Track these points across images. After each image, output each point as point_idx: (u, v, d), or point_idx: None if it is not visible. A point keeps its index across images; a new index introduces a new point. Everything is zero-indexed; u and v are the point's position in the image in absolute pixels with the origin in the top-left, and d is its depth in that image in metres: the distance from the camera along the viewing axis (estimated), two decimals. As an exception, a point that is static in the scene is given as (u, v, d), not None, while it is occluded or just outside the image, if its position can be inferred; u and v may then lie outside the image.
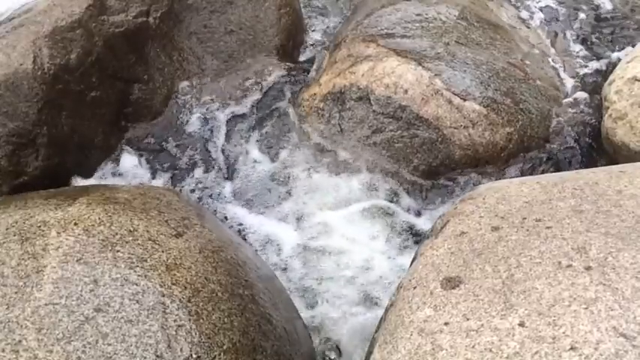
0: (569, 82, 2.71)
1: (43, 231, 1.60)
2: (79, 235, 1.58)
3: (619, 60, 2.51)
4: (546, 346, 1.13)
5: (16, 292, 1.44)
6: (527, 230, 1.42)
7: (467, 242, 1.46)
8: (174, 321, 1.42)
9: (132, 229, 1.64)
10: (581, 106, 2.60)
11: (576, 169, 2.29)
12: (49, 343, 1.34)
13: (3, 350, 1.33)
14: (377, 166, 2.36)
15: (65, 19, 2.30)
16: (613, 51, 2.90)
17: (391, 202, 2.27)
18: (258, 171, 2.41)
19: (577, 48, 2.95)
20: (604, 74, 2.76)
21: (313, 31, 3.14)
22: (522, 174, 2.30)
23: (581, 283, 1.23)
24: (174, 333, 1.40)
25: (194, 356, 1.38)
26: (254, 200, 2.32)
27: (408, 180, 2.32)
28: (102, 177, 2.35)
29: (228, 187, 2.36)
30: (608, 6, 3.12)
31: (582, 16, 3.11)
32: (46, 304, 1.41)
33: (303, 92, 2.68)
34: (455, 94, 2.38)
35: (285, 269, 2.10)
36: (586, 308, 1.18)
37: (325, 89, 2.59)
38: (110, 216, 1.67)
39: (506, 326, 1.19)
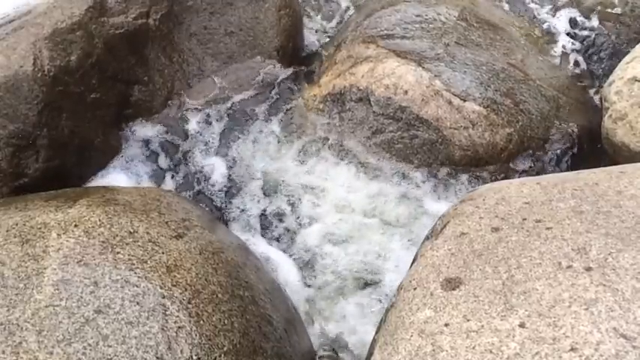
0: (569, 83, 2.71)
1: (44, 233, 1.60)
2: (79, 236, 1.58)
3: (619, 60, 2.50)
4: (547, 347, 1.13)
5: (16, 294, 1.44)
6: (528, 231, 1.42)
7: (467, 243, 1.46)
8: (175, 322, 1.42)
9: (132, 230, 1.64)
10: (581, 107, 2.60)
11: (576, 169, 2.29)
12: (50, 345, 1.34)
13: (3, 352, 1.33)
14: (377, 166, 2.36)
15: (65, 21, 2.30)
16: (613, 51, 2.90)
17: (391, 201, 2.27)
18: (257, 172, 2.41)
19: (577, 48, 2.95)
20: (604, 75, 2.76)
21: (313, 32, 3.14)
22: (522, 175, 2.30)
23: (582, 284, 1.23)
24: (174, 334, 1.40)
25: (194, 358, 1.38)
26: (253, 199, 2.31)
27: (408, 181, 2.32)
28: (102, 179, 2.35)
29: (227, 188, 2.36)
30: (608, 6, 3.12)
31: (582, 15, 3.11)
32: (46, 306, 1.41)
33: (303, 93, 2.68)
34: (455, 95, 2.38)
35: (282, 268, 2.10)
36: (586, 309, 1.18)
37: (325, 90, 2.59)
38: (110, 218, 1.67)
39: (507, 327, 1.19)
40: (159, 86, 2.61)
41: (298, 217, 2.25)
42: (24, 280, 1.47)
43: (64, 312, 1.40)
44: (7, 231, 1.62)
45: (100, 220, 1.65)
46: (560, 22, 3.08)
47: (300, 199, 2.31)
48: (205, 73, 2.72)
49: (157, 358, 1.35)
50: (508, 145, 2.35)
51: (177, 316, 1.43)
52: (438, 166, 2.35)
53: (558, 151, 2.39)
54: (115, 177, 2.36)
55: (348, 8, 3.23)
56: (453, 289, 1.34)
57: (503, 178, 2.27)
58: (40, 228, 1.62)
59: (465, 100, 2.37)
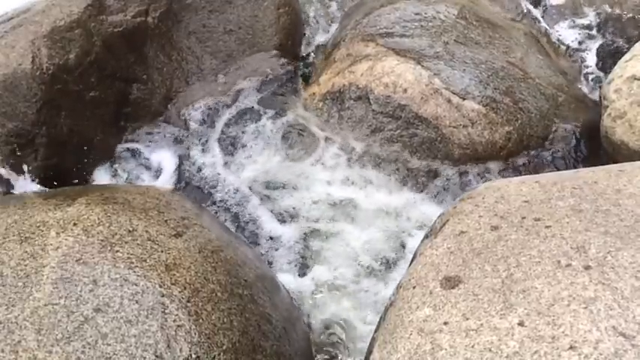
0: (569, 81, 2.71)
1: (42, 231, 1.60)
2: (78, 235, 1.58)
3: (618, 58, 2.50)
4: (546, 345, 1.13)
5: (15, 293, 1.44)
6: (527, 229, 1.42)
7: (466, 242, 1.46)
8: (174, 321, 1.42)
9: (131, 229, 1.64)
10: (581, 105, 2.60)
11: (575, 168, 2.29)
12: (49, 344, 1.34)
13: (2, 351, 1.33)
14: (376, 165, 2.36)
15: (64, 19, 2.30)
16: (612, 50, 2.90)
17: (390, 200, 2.27)
18: (256, 170, 2.41)
19: (576, 47, 2.95)
20: (603, 73, 2.76)
21: (312, 30, 3.14)
22: (521, 173, 2.30)
23: (581, 283, 1.23)
24: (173, 333, 1.40)
25: (193, 356, 1.38)
26: (252, 197, 2.31)
27: (407, 179, 2.32)
28: (101, 177, 2.35)
29: (226, 186, 2.36)
30: (607, 5, 3.12)
31: (581, 15, 3.11)
32: (45, 305, 1.41)
33: (302, 92, 2.68)
34: (454, 93, 2.38)
35: (281, 263, 2.10)
36: (585, 307, 1.18)
37: (324, 89, 2.59)
38: (109, 216, 1.67)
39: (506, 326, 1.19)
40: (158, 84, 2.60)
41: (297, 214, 2.25)
42: (23, 278, 1.47)
43: (63, 310, 1.40)
44: (5, 229, 1.61)
45: (99, 218, 1.65)
46: (559, 21, 3.08)
47: (299, 197, 2.31)
48: (204, 72, 2.72)
49: (156, 356, 1.35)
50: (507, 144, 2.35)
51: (177, 315, 1.43)
52: (437, 164, 2.35)
53: (557, 150, 2.39)
54: (113, 175, 2.36)
55: (347, 6, 3.23)
56: (452, 288, 1.34)
57: (502, 177, 2.27)
58: (38, 226, 1.61)
59: (464, 99, 2.37)
